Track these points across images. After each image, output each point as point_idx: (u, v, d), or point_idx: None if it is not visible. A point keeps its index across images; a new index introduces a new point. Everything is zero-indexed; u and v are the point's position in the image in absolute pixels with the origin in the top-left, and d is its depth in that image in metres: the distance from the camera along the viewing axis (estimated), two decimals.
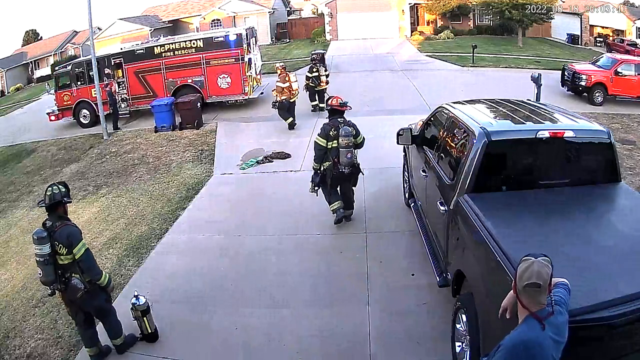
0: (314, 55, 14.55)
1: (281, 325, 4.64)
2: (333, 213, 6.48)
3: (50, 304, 5.46)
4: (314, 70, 13.02)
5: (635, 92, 14.15)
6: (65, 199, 4.08)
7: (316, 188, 6.49)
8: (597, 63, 15.47)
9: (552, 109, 4.95)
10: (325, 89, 13.24)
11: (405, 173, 6.98)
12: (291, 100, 11.57)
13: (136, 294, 4.46)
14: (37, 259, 3.94)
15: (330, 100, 6.58)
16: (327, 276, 5.40)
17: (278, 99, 11.54)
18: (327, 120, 6.41)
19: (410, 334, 4.24)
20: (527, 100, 6.00)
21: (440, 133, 5.10)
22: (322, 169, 6.36)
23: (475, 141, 3.91)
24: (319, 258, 5.80)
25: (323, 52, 18.77)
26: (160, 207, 7.82)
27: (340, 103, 6.43)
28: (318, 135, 6.36)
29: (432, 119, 5.67)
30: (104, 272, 4.22)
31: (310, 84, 13.02)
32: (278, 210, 7.26)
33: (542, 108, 4.94)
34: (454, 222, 3.96)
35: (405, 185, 7.03)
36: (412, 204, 6.21)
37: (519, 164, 4.12)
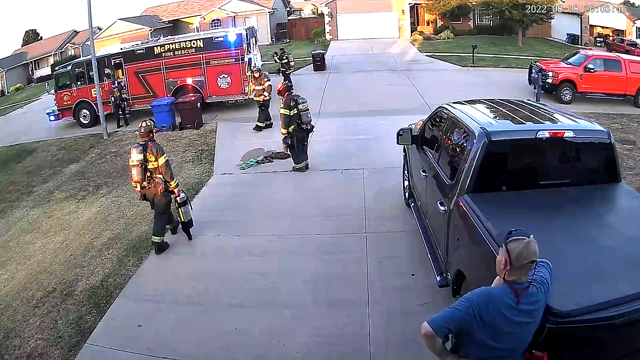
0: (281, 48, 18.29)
1: (281, 326, 4.64)
2: (297, 170, 8.70)
3: (50, 304, 5.47)
4: (284, 57, 16.61)
5: (606, 88, 13.65)
6: (154, 127, 6.30)
7: (289, 149, 8.60)
8: (568, 60, 15.02)
9: (552, 109, 4.94)
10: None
11: (405, 173, 6.98)
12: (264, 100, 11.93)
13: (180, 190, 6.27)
14: (134, 163, 5.90)
15: (281, 85, 8.72)
16: (327, 276, 5.40)
17: (261, 100, 11.81)
18: (285, 98, 8.42)
19: (411, 334, 4.23)
20: (527, 100, 6.00)
21: (440, 133, 5.09)
22: (288, 132, 8.32)
23: (475, 141, 3.91)
24: (319, 258, 5.80)
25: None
26: None
27: (286, 85, 8.69)
28: (282, 108, 8.32)
29: (432, 119, 5.67)
30: (176, 178, 6.27)
31: (281, 68, 16.72)
32: (278, 211, 7.27)
33: (542, 108, 4.94)
34: (454, 222, 3.96)
35: (405, 185, 7.02)
36: (412, 204, 6.21)
37: (519, 164, 4.12)
